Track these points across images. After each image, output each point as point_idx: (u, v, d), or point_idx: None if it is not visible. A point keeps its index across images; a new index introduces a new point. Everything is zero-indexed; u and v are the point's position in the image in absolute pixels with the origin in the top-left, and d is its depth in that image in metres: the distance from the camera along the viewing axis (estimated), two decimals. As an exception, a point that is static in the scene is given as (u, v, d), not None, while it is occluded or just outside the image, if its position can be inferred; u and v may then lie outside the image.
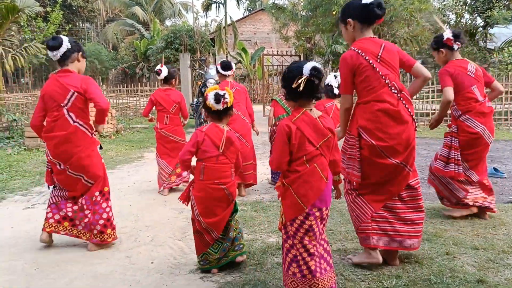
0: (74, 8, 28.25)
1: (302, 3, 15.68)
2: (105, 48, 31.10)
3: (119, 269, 3.19)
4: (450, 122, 4.08)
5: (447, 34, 3.92)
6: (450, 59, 3.95)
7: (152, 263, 3.28)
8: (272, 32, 21.69)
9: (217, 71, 5.29)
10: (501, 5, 13.80)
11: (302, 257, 2.43)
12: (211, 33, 28.23)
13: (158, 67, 5.42)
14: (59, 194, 3.62)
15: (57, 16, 19.65)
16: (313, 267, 2.42)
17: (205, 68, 12.75)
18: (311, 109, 2.46)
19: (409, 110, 2.88)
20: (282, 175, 2.54)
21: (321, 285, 2.42)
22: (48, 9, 20.83)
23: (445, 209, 4.18)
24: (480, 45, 14.35)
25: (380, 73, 2.82)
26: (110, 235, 3.60)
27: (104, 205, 3.63)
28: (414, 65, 2.95)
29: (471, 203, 3.95)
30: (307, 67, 2.37)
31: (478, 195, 3.97)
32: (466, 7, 14.15)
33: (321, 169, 2.43)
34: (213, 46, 25.33)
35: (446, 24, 14.51)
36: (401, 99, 2.85)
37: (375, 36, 2.98)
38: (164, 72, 5.40)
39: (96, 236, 3.56)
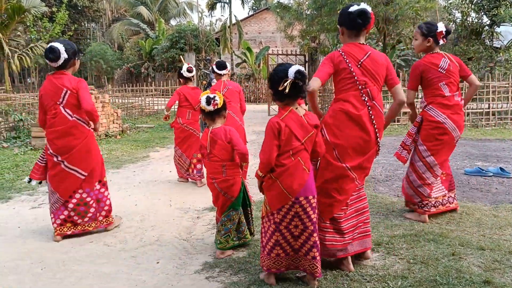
0: (79, 8, 28.36)
1: (307, 2, 15.64)
2: (111, 48, 31.18)
3: (125, 268, 3.20)
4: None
5: (442, 27, 3.88)
6: (428, 52, 3.95)
7: (157, 263, 3.29)
8: (277, 32, 21.65)
9: (213, 71, 5.57)
10: (507, 3, 13.68)
11: (286, 240, 2.73)
12: (216, 33, 28.28)
13: (187, 66, 5.86)
14: (55, 201, 3.86)
15: (62, 16, 19.76)
16: (296, 247, 2.75)
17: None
18: (296, 108, 2.70)
19: (374, 122, 2.93)
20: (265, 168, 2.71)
21: (301, 260, 2.76)
22: (54, 9, 20.94)
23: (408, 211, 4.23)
24: (486, 43, 14.24)
25: (356, 77, 2.91)
26: (112, 218, 4.07)
27: (106, 193, 4.03)
28: (395, 86, 3.04)
29: (432, 209, 3.98)
30: (291, 71, 2.59)
31: (439, 193, 4.03)
32: (472, 5, 14.04)
33: (304, 161, 2.69)
34: (218, 46, 25.36)
35: (452, 23, 14.42)
36: (369, 108, 2.91)
37: (365, 43, 3.03)
38: (193, 71, 5.92)
39: (102, 222, 3.98)
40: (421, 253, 3.21)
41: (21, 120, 10.19)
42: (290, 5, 16.31)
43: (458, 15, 14.62)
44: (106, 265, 3.27)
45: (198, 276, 3.02)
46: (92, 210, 3.91)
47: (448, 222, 3.93)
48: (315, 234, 2.71)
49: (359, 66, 2.92)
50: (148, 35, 29.62)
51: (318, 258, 2.70)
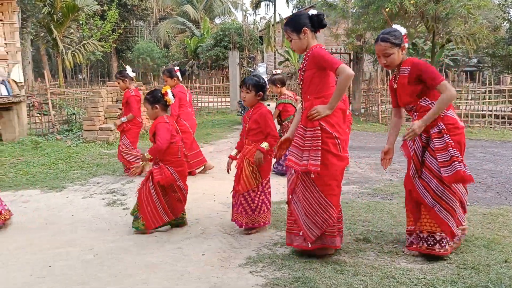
0: (128, 7, 29.22)
1: (353, 0, 15.39)
2: (157, 46, 31.99)
3: (170, 259, 3.29)
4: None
5: (402, 29, 3.30)
6: (404, 59, 3.30)
7: (203, 255, 3.35)
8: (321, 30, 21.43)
9: (178, 78, 6.01)
10: None
11: (268, 199, 3.81)
12: (259, 31, 28.34)
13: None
14: None
15: (113, 14, 20.47)
16: (269, 205, 3.86)
17: (254, 65, 12.84)
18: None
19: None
20: (275, 140, 3.65)
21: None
22: (105, 7, 21.71)
23: None
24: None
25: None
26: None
27: None
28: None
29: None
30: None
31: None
32: (530, 3, 13.34)
33: None
34: (261, 44, 25.42)
35: (506, 21, 13.75)
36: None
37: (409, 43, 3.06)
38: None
39: None
40: (471, 259, 3.09)
41: (74, 114, 10.67)
42: (335, 3, 16.10)
43: (514, 13, 13.92)
44: (152, 255, 3.37)
45: (242, 270, 3.06)
46: None
47: (500, 228, 3.77)
48: None
49: None
50: (193, 33, 30.13)
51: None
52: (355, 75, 16.29)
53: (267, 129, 3.71)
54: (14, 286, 2.88)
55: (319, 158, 3.03)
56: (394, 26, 3.35)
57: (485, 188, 5.22)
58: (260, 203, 3.76)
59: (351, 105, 16.36)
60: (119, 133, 6.35)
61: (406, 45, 3.31)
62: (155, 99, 3.87)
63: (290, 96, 6.01)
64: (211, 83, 18.04)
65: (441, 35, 13.43)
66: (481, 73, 26.62)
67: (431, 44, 14.01)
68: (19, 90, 9.12)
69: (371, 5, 12.67)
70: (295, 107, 5.82)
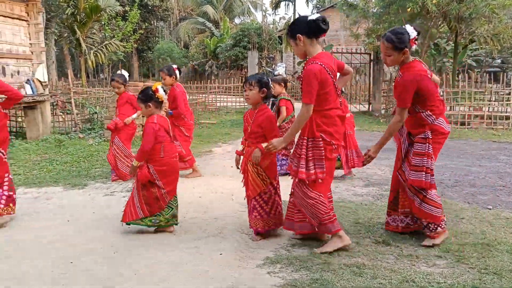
0: (150, 8, 29.57)
1: (374, 0, 15.24)
2: (177, 46, 32.31)
3: (189, 257, 3.32)
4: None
5: (412, 32, 3.27)
6: (406, 62, 3.36)
7: (220, 254, 3.38)
8: (341, 29, 21.30)
9: (176, 77, 5.99)
10: None
11: (280, 199, 3.74)
12: (279, 31, 28.33)
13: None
14: None
15: (134, 15, 20.73)
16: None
17: (273, 65, 12.84)
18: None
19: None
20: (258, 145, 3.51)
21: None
22: (127, 8, 22.00)
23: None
24: None
25: (335, 84, 3.24)
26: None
27: None
28: (344, 65, 3.52)
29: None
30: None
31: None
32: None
33: None
34: (281, 44, 25.41)
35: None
36: (341, 103, 3.38)
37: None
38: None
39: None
40: (493, 264, 3.04)
41: (96, 113, 10.86)
42: (356, 2, 15.97)
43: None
44: (172, 253, 3.41)
45: (260, 270, 3.07)
46: None
47: (524, 233, 3.69)
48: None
49: (332, 74, 3.28)
50: (213, 34, 30.32)
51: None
52: (375, 75, 16.15)
53: (272, 133, 3.57)
54: (38, 281, 2.96)
55: (324, 165, 3.24)
56: (407, 26, 3.34)
57: (508, 192, 5.11)
58: (273, 204, 3.67)
59: (371, 105, 16.23)
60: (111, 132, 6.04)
61: (414, 47, 3.36)
62: (147, 97, 3.83)
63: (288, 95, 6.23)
64: (229, 83, 18.11)
65: (464, 36, 13.20)
66: (505, 73, 25.96)
67: (453, 45, 13.77)
68: (43, 89, 9.33)
69: (392, 4, 12.54)
70: (293, 106, 6.04)
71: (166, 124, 3.90)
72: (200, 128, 11.72)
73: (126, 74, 6.17)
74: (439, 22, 13.06)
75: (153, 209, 3.81)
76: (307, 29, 3.18)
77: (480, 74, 18.81)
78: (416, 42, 3.34)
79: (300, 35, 3.20)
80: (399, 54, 3.31)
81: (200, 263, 3.23)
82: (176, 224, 3.96)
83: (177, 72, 5.99)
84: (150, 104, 3.84)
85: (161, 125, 3.82)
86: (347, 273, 2.94)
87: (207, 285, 2.87)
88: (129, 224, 3.86)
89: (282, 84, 6.03)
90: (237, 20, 37.21)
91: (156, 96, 3.83)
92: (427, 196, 3.41)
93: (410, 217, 3.65)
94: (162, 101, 3.90)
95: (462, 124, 11.39)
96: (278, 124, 5.84)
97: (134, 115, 5.92)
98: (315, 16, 3.20)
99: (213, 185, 5.63)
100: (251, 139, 3.64)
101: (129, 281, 2.94)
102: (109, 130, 6.07)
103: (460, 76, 13.30)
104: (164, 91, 3.94)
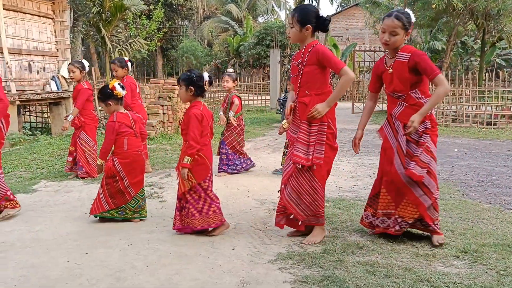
0: (174, 6, 29.88)
1: (398, -3, 15.02)
2: (201, 45, 32.54)
3: (203, 252, 3.33)
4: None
5: (413, 17, 3.31)
6: (401, 45, 3.32)
7: (233, 249, 3.38)
8: (365, 28, 21.04)
9: (128, 68, 5.92)
10: None
11: (213, 201, 3.64)
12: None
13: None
14: None
15: (159, 14, 21.01)
16: (219, 204, 3.71)
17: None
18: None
19: None
20: (191, 149, 3.45)
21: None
22: (152, 7, 22.32)
23: None
24: None
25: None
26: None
27: None
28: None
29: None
30: (206, 75, 3.67)
31: None
32: None
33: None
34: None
35: None
36: None
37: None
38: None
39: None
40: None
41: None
42: (380, 0, 15.76)
43: None
44: (186, 247, 3.43)
45: (272, 266, 3.05)
46: None
47: (548, 235, 3.55)
48: None
49: None
50: (236, 32, 30.41)
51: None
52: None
53: (189, 133, 3.51)
54: (54, 271, 3.02)
55: (323, 151, 3.28)
56: (407, 10, 3.38)
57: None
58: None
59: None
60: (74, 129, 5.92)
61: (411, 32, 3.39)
62: (106, 95, 3.99)
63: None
64: (252, 81, 18.11)
65: (492, 33, 12.85)
66: (536, 73, 25.16)
67: (481, 43, 13.40)
68: (68, 85, 9.55)
69: (417, 2, 12.30)
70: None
71: (127, 119, 4.03)
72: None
73: (86, 63, 6.03)
74: (466, 19, 12.74)
75: (118, 201, 3.97)
76: (316, 23, 3.32)
77: (509, 73, 18.26)
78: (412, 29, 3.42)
79: (310, 26, 3.31)
80: (403, 35, 3.26)
81: (214, 257, 3.23)
82: (145, 217, 4.08)
83: (129, 64, 5.97)
84: (110, 102, 4.01)
85: (121, 122, 3.97)
86: (360, 271, 2.89)
87: (219, 279, 2.87)
88: (96, 217, 4.03)
89: (236, 80, 6.40)
90: (260, 19, 37.21)
91: (115, 93, 3.99)
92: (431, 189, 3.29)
93: (393, 219, 3.39)
94: (122, 97, 4.05)
95: (489, 124, 11.09)
96: (231, 116, 6.14)
97: (75, 112, 5.73)
98: (325, 15, 3.36)
99: (230, 181, 5.64)
100: (183, 136, 3.67)
101: (142, 273, 2.97)
102: (74, 127, 5.87)
103: (487, 75, 12.94)
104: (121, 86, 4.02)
